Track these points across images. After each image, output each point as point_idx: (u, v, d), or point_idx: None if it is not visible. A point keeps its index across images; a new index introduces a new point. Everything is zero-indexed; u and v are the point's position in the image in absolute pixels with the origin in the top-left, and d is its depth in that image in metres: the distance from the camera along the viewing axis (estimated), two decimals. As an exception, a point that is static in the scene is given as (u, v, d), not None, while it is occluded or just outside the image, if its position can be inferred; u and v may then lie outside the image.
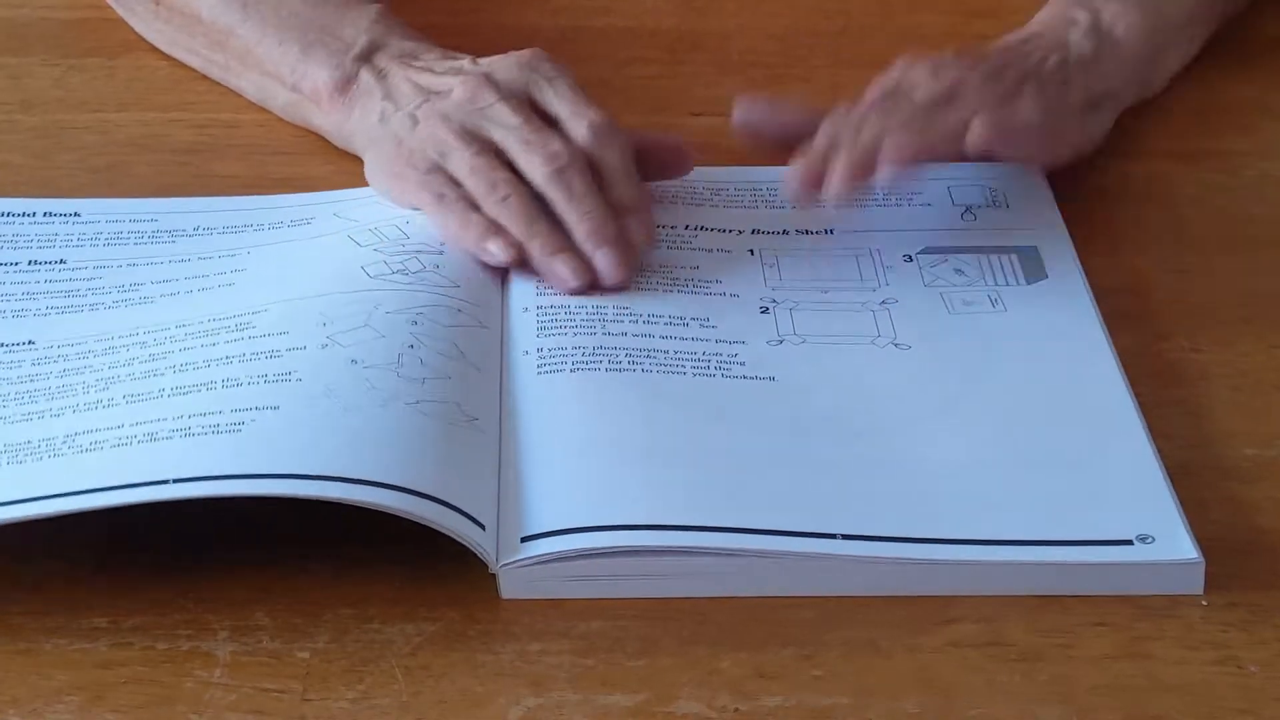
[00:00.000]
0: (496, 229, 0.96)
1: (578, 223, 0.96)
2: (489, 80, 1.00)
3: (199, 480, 0.80)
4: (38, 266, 0.99)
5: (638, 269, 0.97)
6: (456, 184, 0.98)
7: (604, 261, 0.95)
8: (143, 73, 1.16)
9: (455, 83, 1.00)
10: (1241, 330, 0.96)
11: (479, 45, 1.07)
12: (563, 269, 0.95)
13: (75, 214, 1.03)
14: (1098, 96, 1.06)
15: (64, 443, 0.84)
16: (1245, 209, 1.06)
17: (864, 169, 0.97)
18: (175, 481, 0.80)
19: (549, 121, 0.99)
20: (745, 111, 1.05)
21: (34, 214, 1.03)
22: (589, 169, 0.97)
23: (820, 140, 0.99)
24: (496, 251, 0.96)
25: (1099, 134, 1.07)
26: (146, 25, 1.18)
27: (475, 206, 0.97)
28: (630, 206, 0.97)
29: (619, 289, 0.95)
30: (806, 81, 1.16)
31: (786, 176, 0.99)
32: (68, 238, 1.01)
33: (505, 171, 0.97)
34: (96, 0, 1.20)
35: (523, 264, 0.96)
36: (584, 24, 1.21)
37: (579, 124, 0.98)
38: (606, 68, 1.17)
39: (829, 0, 1.23)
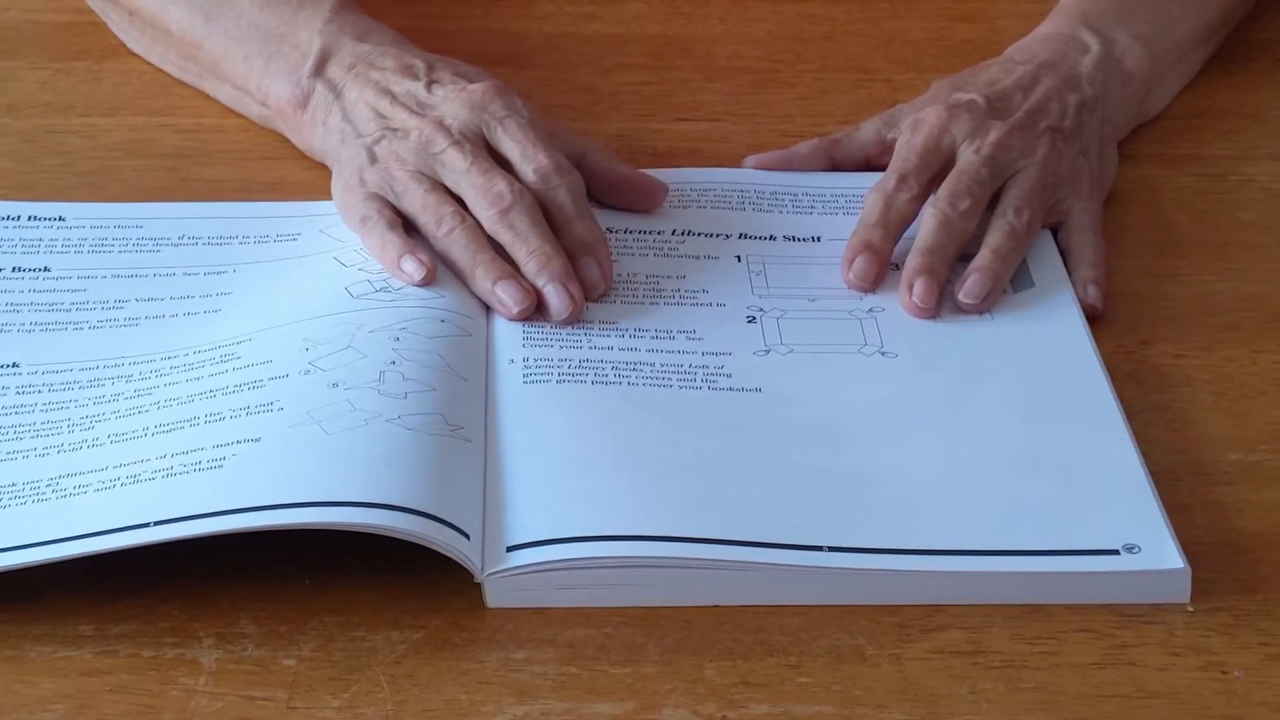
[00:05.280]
0: (412, 248, 0.96)
1: (525, 260, 0.95)
2: (441, 125, 0.99)
3: (179, 521, 0.80)
4: (21, 273, 0.99)
5: (598, 300, 0.96)
6: (391, 209, 0.98)
7: (551, 296, 0.94)
8: (130, 77, 1.16)
9: (412, 124, 1.00)
10: (1225, 336, 0.97)
11: (466, 51, 1.07)
12: (504, 294, 0.94)
13: (60, 218, 1.03)
14: (1108, 137, 1.07)
15: (48, 486, 0.84)
16: (1230, 214, 1.06)
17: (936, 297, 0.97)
18: (156, 524, 0.80)
19: (503, 161, 0.99)
20: (757, 166, 1.07)
21: (18, 217, 1.03)
22: (537, 208, 0.97)
23: (872, 216, 0.99)
24: (410, 270, 0.95)
25: (1114, 170, 1.07)
26: (124, 33, 1.18)
27: (396, 228, 0.97)
28: (585, 246, 0.97)
29: (569, 324, 0.94)
30: (792, 87, 1.16)
31: (846, 265, 0.99)
32: (52, 243, 1.01)
33: (452, 206, 0.97)
34: (84, 4, 1.20)
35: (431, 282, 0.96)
36: (570, 30, 1.21)
37: (526, 168, 0.98)
38: (593, 74, 1.17)
39: (814, 6, 1.24)
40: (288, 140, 1.09)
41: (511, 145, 0.99)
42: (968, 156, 1.00)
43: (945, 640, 0.80)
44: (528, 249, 0.95)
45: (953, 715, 0.77)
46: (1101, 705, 0.77)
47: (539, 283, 0.95)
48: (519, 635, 0.80)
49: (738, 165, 1.08)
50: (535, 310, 0.95)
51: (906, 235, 0.99)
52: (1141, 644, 0.80)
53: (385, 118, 1.01)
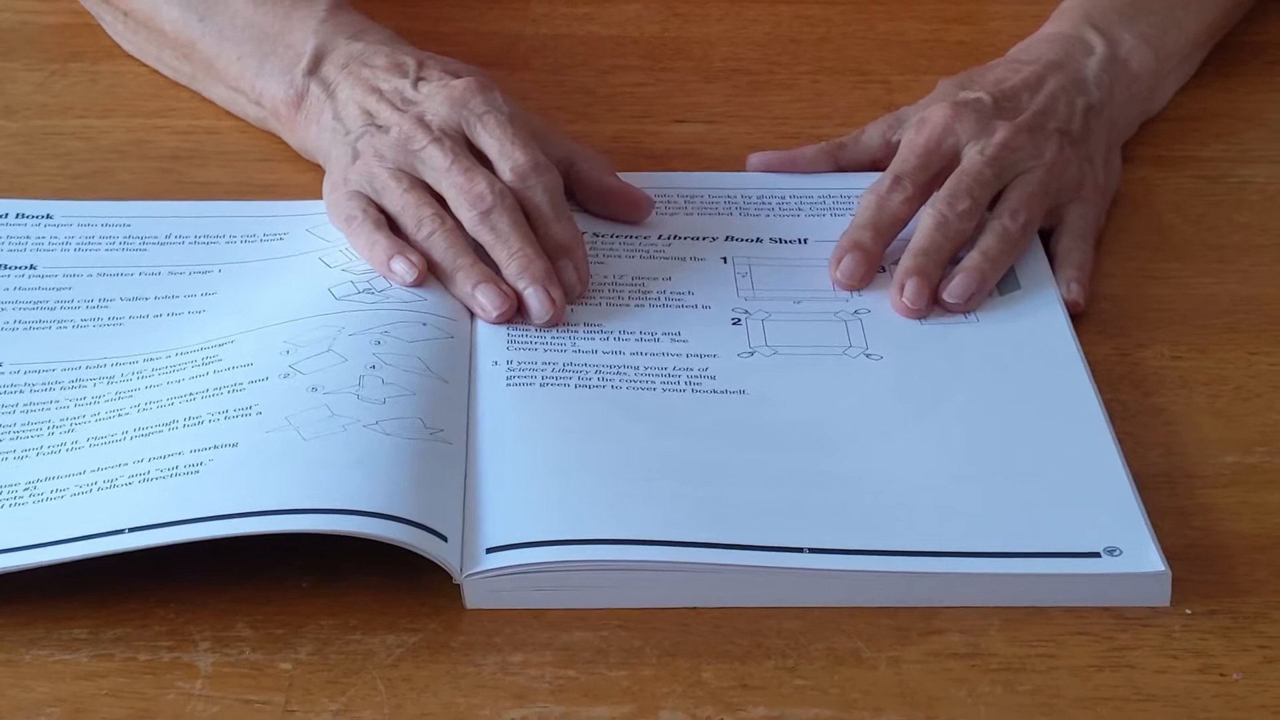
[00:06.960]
0: (401, 248, 0.96)
1: (506, 262, 0.95)
2: (421, 122, 0.99)
3: (152, 528, 0.80)
4: (7, 271, 0.99)
5: (575, 302, 0.96)
6: (376, 208, 0.98)
7: (531, 300, 0.94)
8: (126, 78, 1.16)
9: (394, 121, 1.00)
10: (1222, 338, 0.97)
11: (461, 53, 1.07)
12: (483, 299, 0.94)
13: (47, 216, 1.03)
14: (1114, 142, 1.07)
15: (25, 490, 0.84)
16: (1226, 216, 1.06)
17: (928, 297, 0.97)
18: (130, 531, 0.80)
19: (483, 158, 0.99)
20: (759, 165, 1.07)
21: (6, 215, 1.03)
22: (518, 209, 0.97)
23: (864, 216, 0.99)
24: (401, 270, 0.95)
25: (1117, 176, 1.07)
26: (119, 35, 1.18)
27: (382, 227, 0.97)
28: (562, 248, 0.97)
29: (550, 326, 0.94)
30: (789, 89, 1.16)
31: (834, 264, 0.98)
32: (39, 240, 1.01)
33: (432, 207, 0.97)
34: (79, 6, 1.20)
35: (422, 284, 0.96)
36: (566, 31, 1.21)
37: (504, 166, 0.98)
38: (589, 75, 1.17)
39: (810, 8, 1.24)
40: (284, 142, 1.09)
41: (490, 142, 0.99)
42: (972, 156, 1.00)
43: (943, 643, 0.80)
44: (508, 251, 0.95)
45: (950, 718, 0.76)
46: (1099, 708, 0.77)
47: (520, 285, 0.95)
48: (516, 639, 0.80)
49: (734, 167, 1.08)
50: (516, 312, 0.95)
51: (903, 235, 0.99)
52: (1139, 647, 0.80)
53: (371, 115, 1.01)
